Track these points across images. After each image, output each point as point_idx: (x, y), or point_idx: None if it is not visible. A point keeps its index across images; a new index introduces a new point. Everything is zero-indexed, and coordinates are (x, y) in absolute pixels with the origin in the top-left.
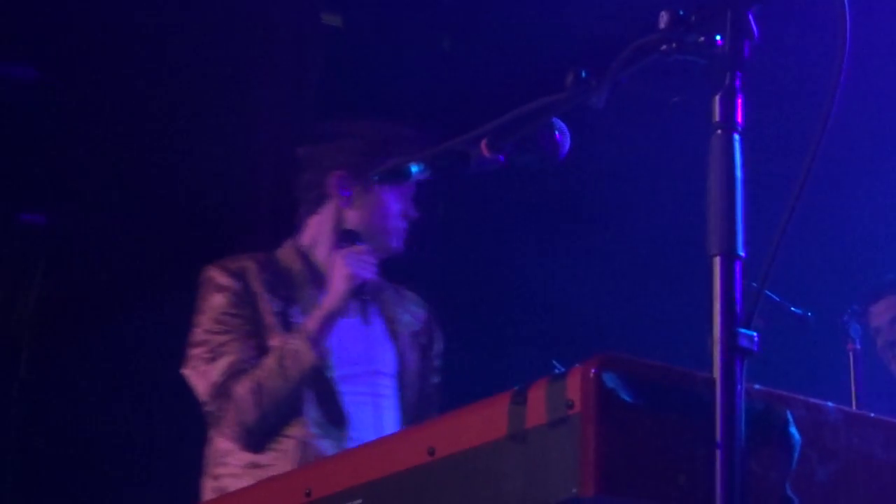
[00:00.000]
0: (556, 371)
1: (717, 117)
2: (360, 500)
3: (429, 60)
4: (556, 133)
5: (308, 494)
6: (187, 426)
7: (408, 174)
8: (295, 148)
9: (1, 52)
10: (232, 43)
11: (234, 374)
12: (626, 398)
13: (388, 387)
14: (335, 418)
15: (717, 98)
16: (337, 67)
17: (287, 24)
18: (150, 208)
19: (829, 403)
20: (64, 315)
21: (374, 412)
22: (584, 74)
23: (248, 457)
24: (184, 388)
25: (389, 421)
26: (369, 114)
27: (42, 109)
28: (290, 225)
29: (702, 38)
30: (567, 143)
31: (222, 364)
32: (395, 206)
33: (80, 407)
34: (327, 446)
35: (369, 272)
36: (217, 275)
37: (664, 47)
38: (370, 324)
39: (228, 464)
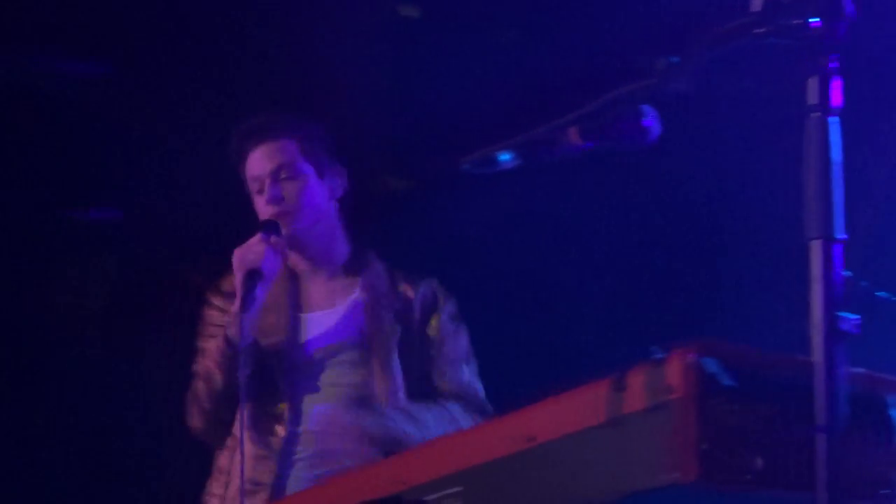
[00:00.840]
0: (655, 357)
1: (812, 100)
2: (459, 488)
3: (505, 50)
4: (645, 119)
5: (404, 483)
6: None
7: (496, 162)
8: (370, 138)
9: (71, 48)
10: (303, 34)
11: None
12: (726, 383)
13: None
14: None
15: (811, 81)
16: (409, 59)
17: (358, 16)
18: (222, 202)
19: None
20: (136, 310)
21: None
22: (672, 59)
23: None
24: None
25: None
26: (445, 105)
27: (113, 105)
28: (359, 213)
29: (797, 21)
30: (656, 129)
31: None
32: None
33: (153, 402)
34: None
35: (260, 260)
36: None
37: (758, 30)
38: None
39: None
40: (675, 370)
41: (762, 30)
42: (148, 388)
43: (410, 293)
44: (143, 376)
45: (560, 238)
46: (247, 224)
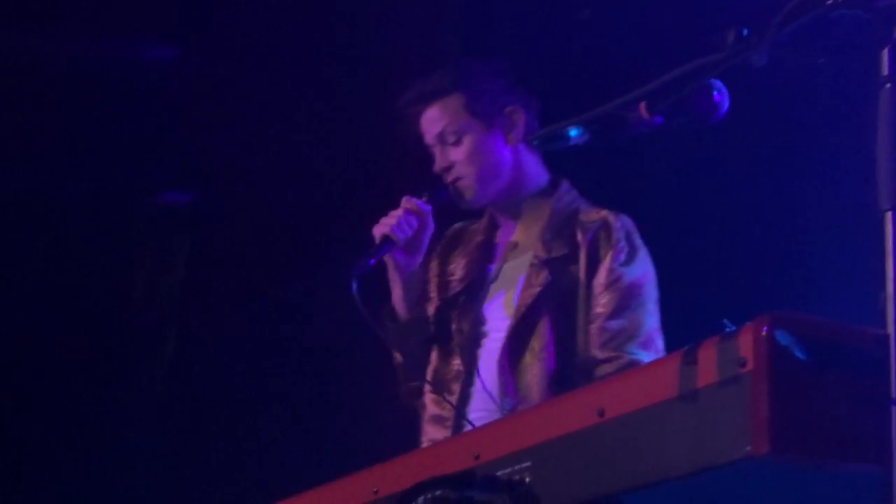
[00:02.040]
0: (727, 329)
1: (885, 71)
2: (528, 463)
3: (571, 27)
4: (715, 94)
5: (477, 457)
6: (330, 401)
7: (566, 138)
8: None
9: (142, 33)
10: (367, 14)
11: None
12: (799, 356)
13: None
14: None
15: (885, 52)
16: (474, 38)
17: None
18: (293, 184)
19: None
20: (210, 293)
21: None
22: (744, 32)
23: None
24: (328, 364)
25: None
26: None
27: (184, 89)
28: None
29: None
30: (725, 104)
31: None
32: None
33: (227, 384)
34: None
35: (388, 226)
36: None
37: (830, 2)
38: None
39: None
40: (747, 343)
41: (833, 2)
42: (223, 369)
43: None
44: (217, 357)
45: (628, 211)
46: (316, 205)
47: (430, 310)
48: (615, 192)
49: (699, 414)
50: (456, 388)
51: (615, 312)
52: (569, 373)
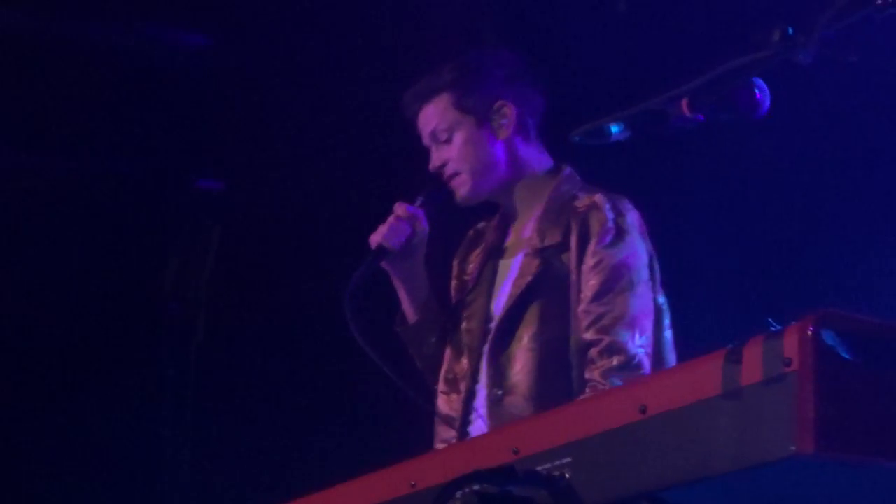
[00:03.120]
0: (772, 328)
1: None
2: (568, 459)
3: (609, 22)
4: (757, 92)
5: (516, 452)
6: (361, 390)
7: (607, 134)
8: None
9: (174, 19)
10: (404, 7)
11: None
12: (845, 355)
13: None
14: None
15: None
16: (512, 34)
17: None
18: (326, 175)
19: None
20: (241, 280)
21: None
22: (790, 31)
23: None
24: (360, 354)
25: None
26: (553, 78)
27: (216, 76)
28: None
29: None
30: (767, 103)
31: None
32: None
33: (257, 371)
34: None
35: (380, 236)
36: None
37: (880, 2)
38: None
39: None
40: (792, 342)
41: (885, 1)
42: (253, 357)
43: None
44: (247, 347)
45: (676, 209)
46: (349, 196)
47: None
48: (663, 189)
49: (743, 412)
50: (462, 386)
51: (600, 294)
52: (558, 361)
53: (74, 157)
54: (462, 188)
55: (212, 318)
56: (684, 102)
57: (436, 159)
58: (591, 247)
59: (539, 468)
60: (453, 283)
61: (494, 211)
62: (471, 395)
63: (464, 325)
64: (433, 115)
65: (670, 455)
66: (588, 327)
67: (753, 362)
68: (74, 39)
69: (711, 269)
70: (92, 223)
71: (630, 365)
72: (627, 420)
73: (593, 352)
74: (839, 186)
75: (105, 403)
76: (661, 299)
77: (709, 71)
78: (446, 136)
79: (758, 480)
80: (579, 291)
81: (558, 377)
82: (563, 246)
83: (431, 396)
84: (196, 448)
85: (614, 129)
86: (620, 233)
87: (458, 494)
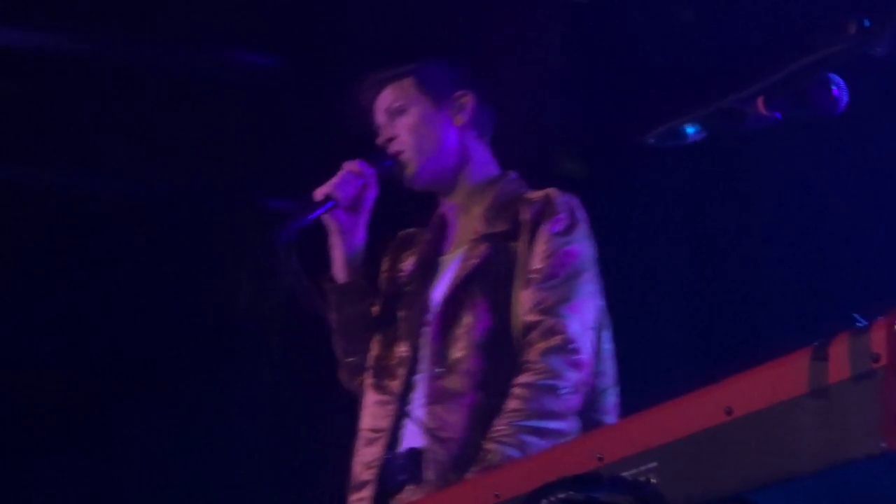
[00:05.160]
0: (858, 324)
1: None
2: (654, 463)
3: (675, 26)
4: (834, 88)
5: (600, 459)
6: None
7: (683, 136)
8: (546, 117)
9: (245, 40)
10: (470, 23)
11: None
12: None
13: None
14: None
15: None
16: (586, 37)
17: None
18: (393, 191)
19: None
20: (314, 300)
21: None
22: (866, 23)
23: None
24: None
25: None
26: (626, 80)
27: (286, 96)
28: None
29: None
30: (845, 99)
31: None
32: None
33: (333, 387)
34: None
35: (331, 187)
36: None
37: None
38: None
39: None
40: (880, 338)
41: None
42: (329, 373)
43: None
44: (323, 362)
45: (752, 208)
46: (412, 209)
47: (377, 305)
48: (735, 189)
49: (830, 410)
50: (401, 372)
51: (547, 278)
52: (499, 342)
53: (152, 174)
54: (409, 165)
55: (287, 338)
56: (760, 101)
57: (387, 131)
58: (544, 234)
59: (625, 474)
60: (382, 276)
61: (423, 220)
62: (411, 382)
63: (401, 313)
64: (393, 92)
65: (757, 456)
66: (531, 309)
67: (840, 359)
68: (145, 63)
69: (796, 265)
70: (169, 239)
71: (568, 347)
72: (713, 422)
73: (533, 334)
74: None
75: (184, 417)
76: (602, 303)
77: (783, 68)
78: (402, 109)
79: (846, 479)
80: (525, 276)
81: (499, 358)
82: (512, 234)
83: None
84: (267, 469)
85: (690, 130)
86: (574, 224)
87: (544, 503)
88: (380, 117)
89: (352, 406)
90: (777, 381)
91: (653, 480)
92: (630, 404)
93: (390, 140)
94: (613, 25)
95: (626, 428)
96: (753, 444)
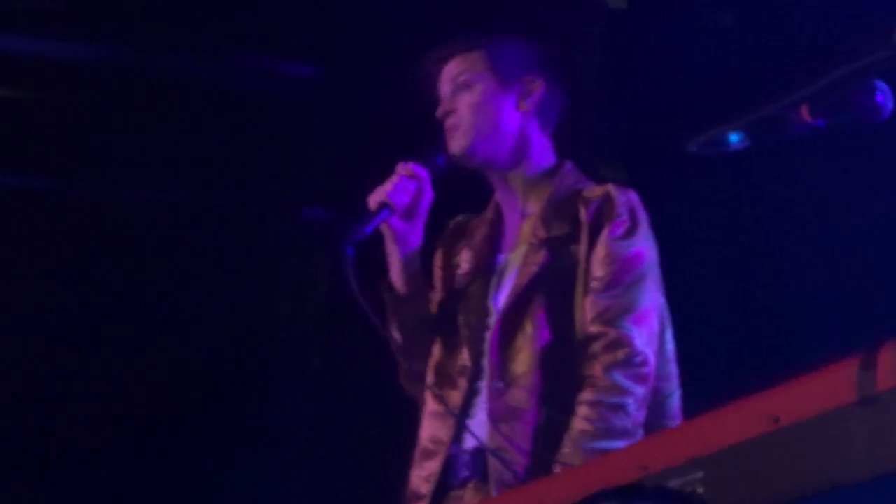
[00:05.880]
0: None
1: None
2: (701, 473)
3: (718, 33)
4: (878, 94)
5: (645, 469)
6: None
7: (727, 143)
8: (588, 126)
9: (284, 50)
10: (509, 32)
11: None
12: None
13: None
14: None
15: None
16: (627, 46)
17: (564, 7)
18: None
19: None
20: (352, 308)
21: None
22: None
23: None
24: None
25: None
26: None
27: (324, 105)
28: None
29: None
30: (890, 105)
31: None
32: None
33: (374, 401)
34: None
35: (386, 195)
36: None
37: None
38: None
39: None
40: None
41: None
42: (368, 385)
43: None
44: (361, 372)
45: (797, 215)
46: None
47: (435, 302)
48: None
49: (879, 419)
50: (462, 383)
51: (609, 286)
52: (562, 354)
53: (190, 184)
54: (462, 140)
55: (326, 347)
56: (804, 108)
57: (447, 104)
58: (604, 237)
59: (670, 484)
60: (438, 272)
61: (471, 206)
62: (473, 391)
63: (461, 318)
64: (461, 63)
65: (804, 465)
66: (593, 320)
67: (889, 367)
68: (185, 74)
69: (837, 274)
70: (207, 249)
71: (634, 361)
72: (760, 431)
73: (596, 346)
74: None
75: (222, 428)
76: (663, 301)
77: (827, 75)
78: (467, 84)
79: (894, 488)
80: (587, 283)
81: (562, 371)
82: (572, 237)
83: (417, 377)
84: (307, 476)
85: (733, 137)
86: (635, 225)
87: None
88: (444, 87)
89: (390, 416)
90: (825, 390)
91: (699, 490)
92: None
93: (449, 112)
94: (655, 32)
95: (671, 437)
96: (800, 454)
